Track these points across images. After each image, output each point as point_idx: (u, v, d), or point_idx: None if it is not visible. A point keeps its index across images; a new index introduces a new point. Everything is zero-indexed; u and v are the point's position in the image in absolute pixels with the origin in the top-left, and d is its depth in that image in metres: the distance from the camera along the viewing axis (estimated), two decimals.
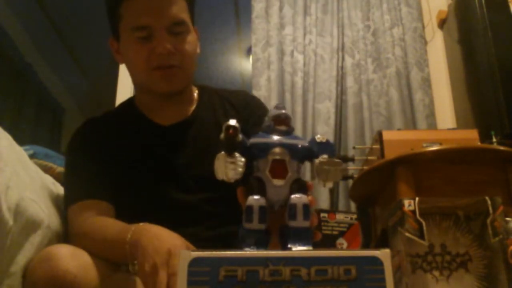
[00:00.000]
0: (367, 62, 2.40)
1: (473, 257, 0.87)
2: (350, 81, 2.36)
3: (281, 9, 2.48)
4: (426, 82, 2.33)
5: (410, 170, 1.46)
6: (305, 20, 2.47)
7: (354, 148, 2.12)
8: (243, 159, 0.53)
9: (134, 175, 1.00)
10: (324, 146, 0.57)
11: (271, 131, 0.57)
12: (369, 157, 1.77)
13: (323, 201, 2.12)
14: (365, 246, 1.58)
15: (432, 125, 2.25)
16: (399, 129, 2.10)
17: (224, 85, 1.17)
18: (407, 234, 0.87)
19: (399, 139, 1.62)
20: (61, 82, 4.10)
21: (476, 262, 0.87)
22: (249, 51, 3.65)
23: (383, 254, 0.48)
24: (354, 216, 1.84)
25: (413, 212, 0.88)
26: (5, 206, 0.75)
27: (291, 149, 0.55)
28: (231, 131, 0.53)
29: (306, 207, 0.53)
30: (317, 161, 0.55)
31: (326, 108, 2.29)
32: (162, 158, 1.02)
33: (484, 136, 1.65)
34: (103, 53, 3.73)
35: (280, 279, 0.46)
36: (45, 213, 0.88)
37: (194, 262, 0.46)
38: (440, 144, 1.52)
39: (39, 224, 0.85)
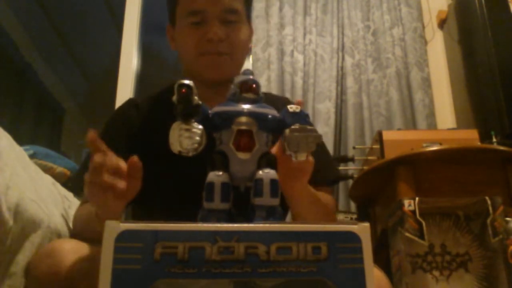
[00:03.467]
0: (367, 62, 2.40)
1: (473, 257, 0.87)
2: (350, 81, 2.36)
3: (281, 9, 2.48)
4: (426, 82, 2.33)
5: (410, 170, 1.47)
6: (305, 20, 2.47)
7: (354, 148, 2.12)
8: (200, 127, 0.46)
9: (166, 162, 0.98)
10: (298, 117, 0.50)
11: (237, 99, 0.49)
12: (369, 157, 1.77)
13: None
14: None
15: (432, 125, 2.25)
16: (399, 129, 2.10)
17: None
18: (407, 234, 0.87)
19: (399, 139, 1.62)
20: (61, 82, 4.10)
21: (476, 262, 0.87)
22: (249, 51, 3.64)
23: (361, 228, 0.39)
24: (354, 216, 1.85)
25: (413, 212, 0.88)
26: (5, 206, 0.75)
27: (259, 119, 0.48)
28: (184, 90, 0.46)
29: (274, 182, 0.45)
30: (287, 129, 0.48)
31: (326, 108, 2.29)
32: None
33: (484, 136, 1.65)
34: (103, 53, 3.74)
35: (232, 258, 0.37)
36: (45, 213, 0.88)
37: (124, 236, 0.36)
38: (440, 144, 1.52)
39: (39, 224, 0.85)
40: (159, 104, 1.07)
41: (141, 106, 1.06)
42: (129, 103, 1.08)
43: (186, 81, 0.46)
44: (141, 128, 1.02)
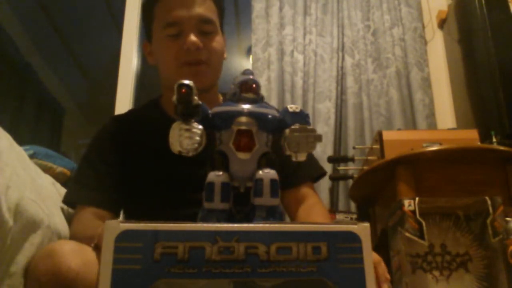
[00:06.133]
0: (367, 62, 2.40)
1: (473, 257, 0.87)
2: (350, 81, 2.36)
3: (281, 9, 2.48)
4: (426, 82, 2.33)
5: (410, 170, 1.47)
6: (305, 20, 2.47)
7: (354, 148, 2.12)
8: (200, 127, 0.46)
9: (153, 174, 1.01)
10: (298, 117, 0.49)
11: (237, 99, 0.49)
12: (369, 157, 1.77)
13: (323, 201, 2.11)
14: None
15: (432, 125, 2.25)
16: (399, 129, 2.10)
17: (224, 86, 1.17)
18: (407, 234, 0.87)
19: (399, 139, 1.62)
20: (61, 82, 4.09)
21: (476, 262, 0.87)
22: (249, 51, 3.64)
23: (361, 229, 0.39)
24: (354, 216, 1.85)
25: (413, 212, 0.88)
26: (5, 206, 0.75)
27: (259, 119, 0.48)
28: (184, 90, 0.46)
29: (274, 182, 0.45)
30: (287, 129, 0.48)
31: (326, 108, 2.29)
32: (182, 159, 1.02)
33: (484, 136, 1.65)
34: (103, 53, 3.73)
35: (232, 258, 0.37)
36: (45, 213, 0.88)
37: (123, 236, 0.36)
38: (440, 144, 1.52)
39: (39, 224, 0.85)
40: (141, 119, 1.11)
41: (124, 123, 1.10)
42: (112, 121, 1.12)
43: (186, 81, 0.46)
44: (125, 143, 1.05)
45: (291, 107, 0.50)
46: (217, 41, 1.05)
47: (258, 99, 0.50)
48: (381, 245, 1.16)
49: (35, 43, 3.71)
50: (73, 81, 4.11)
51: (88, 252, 0.78)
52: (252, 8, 2.49)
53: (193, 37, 1.00)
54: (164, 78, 1.09)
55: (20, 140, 1.01)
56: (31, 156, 1.27)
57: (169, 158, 1.03)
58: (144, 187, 1.01)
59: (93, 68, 4.02)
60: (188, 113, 0.46)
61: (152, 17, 1.06)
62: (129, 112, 1.16)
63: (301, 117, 0.50)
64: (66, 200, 1.03)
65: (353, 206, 2.08)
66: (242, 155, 0.46)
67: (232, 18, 3.61)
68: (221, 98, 1.15)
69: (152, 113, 1.12)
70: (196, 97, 0.46)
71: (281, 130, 0.49)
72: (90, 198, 0.99)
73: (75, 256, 0.74)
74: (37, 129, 3.70)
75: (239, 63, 4.03)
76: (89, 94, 4.21)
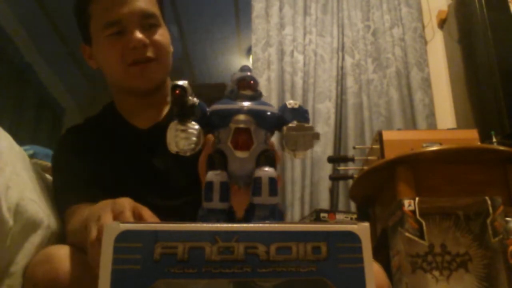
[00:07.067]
0: (367, 62, 2.40)
1: (473, 257, 0.87)
2: (350, 81, 2.36)
3: (281, 9, 2.48)
4: (426, 82, 2.33)
5: (410, 170, 1.47)
6: (305, 20, 2.47)
7: (354, 148, 2.12)
8: (197, 127, 0.45)
9: (115, 180, 0.97)
10: (297, 113, 0.49)
11: (234, 96, 0.48)
12: (369, 157, 1.77)
13: (323, 201, 2.12)
14: None
15: (432, 125, 2.25)
16: (399, 129, 2.10)
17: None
18: (407, 234, 0.87)
19: (399, 139, 1.62)
20: (61, 82, 4.10)
21: (476, 262, 0.87)
22: (249, 51, 3.65)
23: (361, 228, 0.39)
24: (354, 216, 1.85)
25: (413, 212, 0.88)
26: (5, 206, 0.75)
27: (258, 116, 0.47)
28: (178, 91, 0.45)
29: (273, 181, 0.45)
30: (285, 127, 0.47)
31: (326, 108, 2.29)
32: (140, 163, 1.00)
33: (484, 136, 1.65)
34: None
35: (232, 258, 0.36)
36: (45, 213, 0.88)
37: (123, 236, 0.36)
38: (440, 144, 1.52)
39: (39, 224, 0.85)
40: (99, 127, 1.07)
41: (81, 131, 1.07)
42: (71, 132, 1.09)
43: (180, 82, 0.46)
44: (85, 152, 1.01)
45: (290, 103, 0.49)
46: (162, 34, 0.99)
47: (256, 96, 0.49)
48: (381, 245, 1.16)
49: (35, 43, 3.71)
50: (73, 81, 4.11)
51: (85, 256, 0.78)
52: (252, 8, 2.49)
53: (138, 34, 0.94)
54: (111, 81, 1.04)
55: (20, 140, 1.01)
56: (31, 156, 1.27)
57: (127, 162, 0.99)
58: (107, 190, 0.98)
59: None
60: (184, 113, 0.46)
61: (88, 17, 0.99)
62: (86, 120, 1.11)
63: (300, 113, 0.49)
64: (60, 213, 0.98)
65: (353, 206, 2.08)
66: (240, 154, 0.46)
67: (232, 18, 3.61)
68: None
69: (109, 117, 1.07)
70: (191, 97, 0.46)
71: (279, 126, 0.48)
72: (77, 197, 0.94)
73: (72, 260, 0.73)
74: (37, 129, 3.70)
75: (239, 63, 4.03)
76: (89, 94, 4.21)
